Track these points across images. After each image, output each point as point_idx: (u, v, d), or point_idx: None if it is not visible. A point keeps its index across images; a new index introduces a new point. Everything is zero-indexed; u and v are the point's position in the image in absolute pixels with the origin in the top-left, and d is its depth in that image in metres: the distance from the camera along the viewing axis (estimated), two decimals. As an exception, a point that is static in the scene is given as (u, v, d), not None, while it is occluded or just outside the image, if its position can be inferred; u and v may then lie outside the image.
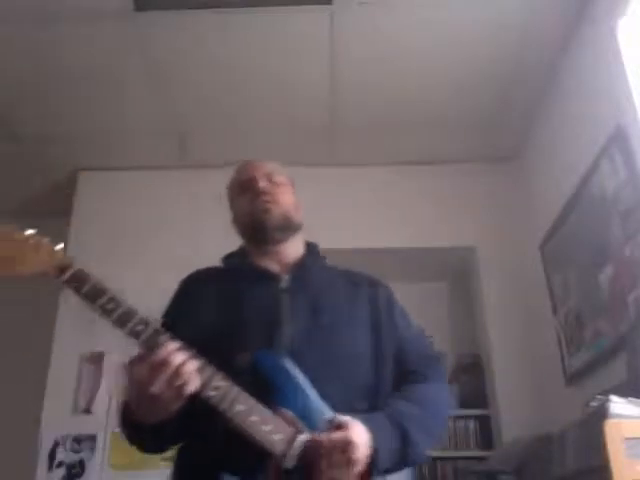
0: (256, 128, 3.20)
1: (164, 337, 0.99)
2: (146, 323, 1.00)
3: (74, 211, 3.42)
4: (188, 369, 0.96)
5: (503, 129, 3.22)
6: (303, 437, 1.00)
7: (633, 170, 2.10)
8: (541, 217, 2.98)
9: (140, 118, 3.12)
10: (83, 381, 2.99)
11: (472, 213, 3.31)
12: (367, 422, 1.02)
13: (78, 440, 2.87)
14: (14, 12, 2.45)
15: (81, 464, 2.84)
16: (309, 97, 2.99)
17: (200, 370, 0.98)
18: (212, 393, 0.98)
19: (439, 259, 3.47)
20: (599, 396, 1.66)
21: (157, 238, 3.22)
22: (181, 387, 0.95)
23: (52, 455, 2.85)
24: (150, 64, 2.77)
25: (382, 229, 3.27)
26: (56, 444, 2.86)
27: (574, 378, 2.58)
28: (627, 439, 1.38)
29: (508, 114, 3.10)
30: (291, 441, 0.99)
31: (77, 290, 1.02)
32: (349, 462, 0.97)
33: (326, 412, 1.06)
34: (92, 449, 2.85)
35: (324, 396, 1.07)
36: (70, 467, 2.84)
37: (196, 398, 0.98)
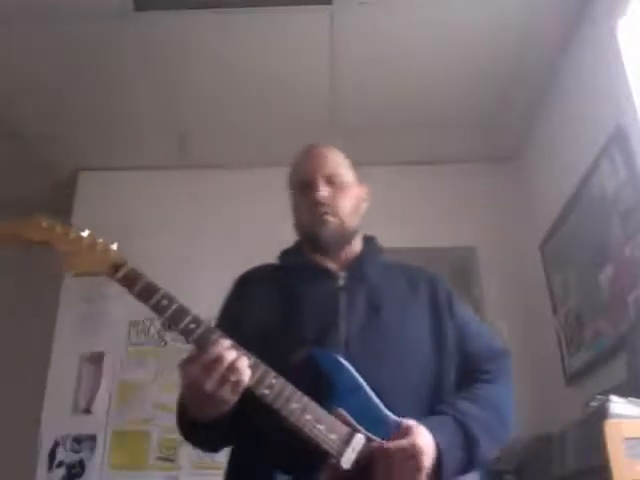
0: (256, 128, 3.20)
1: (216, 335, 0.99)
2: (198, 322, 1.01)
3: (74, 211, 3.42)
4: (242, 365, 0.95)
5: (503, 129, 3.21)
6: (359, 437, 0.99)
7: (633, 170, 2.10)
8: (541, 217, 2.98)
9: (140, 118, 3.12)
10: (83, 381, 2.99)
11: (472, 213, 3.31)
12: (433, 427, 1.01)
13: (78, 440, 2.87)
14: (14, 12, 2.44)
15: (81, 464, 2.84)
16: (309, 97, 2.99)
17: (253, 367, 0.97)
18: (266, 391, 0.98)
19: (439, 259, 3.46)
20: (599, 396, 1.66)
21: (157, 238, 3.22)
22: (236, 383, 0.95)
23: (52, 455, 2.85)
24: (150, 64, 2.76)
25: (382, 229, 3.25)
26: (56, 444, 2.87)
27: (574, 378, 2.58)
28: (627, 439, 1.38)
29: (508, 114, 3.10)
30: (346, 441, 0.98)
31: (130, 288, 1.04)
32: (416, 470, 0.95)
33: (383, 411, 1.04)
34: (92, 449, 2.85)
35: (381, 394, 1.05)
36: (70, 467, 2.84)
37: (250, 397, 0.98)
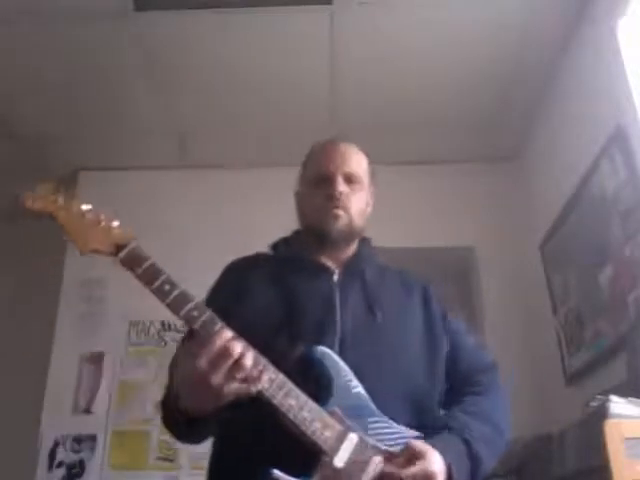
0: (256, 128, 3.20)
1: (219, 325, 0.97)
2: (201, 309, 0.98)
3: (74, 211, 3.42)
4: (247, 362, 0.94)
5: (503, 129, 3.21)
6: (352, 436, 0.99)
7: (633, 170, 2.10)
8: (541, 217, 2.98)
9: (140, 118, 3.12)
10: (83, 381, 3.00)
11: (472, 213, 3.31)
12: (444, 449, 1.01)
13: (78, 440, 2.87)
14: (14, 12, 2.44)
15: (81, 464, 2.84)
16: (309, 97, 2.99)
17: (255, 361, 0.96)
18: (266, 386, 0.97)
19: (439, 259, 3.46)
20: (599, 396, 1.66)
21: (157, 238, 3.21)
22: (242, 380, 0.93)
23: (52, 455, 2.85)
24: (150, 64, 2.76)
25: (382, 229, 3.25)
26: (56, 444, 2.87)
27: (574, 378, 2.57)
28: (627, 439, 1.38)
29: (508, 114, 3.10)
30: (341, 439, 0.98)
31: (132, 269, 1.00)
32: None
33: (376, 411, 1.04)
34: (92, 449, 2.85)
35: (374, 393, 1.05)
36: (70, 467, 2.84)
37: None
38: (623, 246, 2.14)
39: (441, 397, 1.17)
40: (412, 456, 0.98)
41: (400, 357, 1.13)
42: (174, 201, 3.39)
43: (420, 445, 0.99)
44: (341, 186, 1.23)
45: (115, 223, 1.04)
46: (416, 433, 1.06)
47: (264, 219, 3.04)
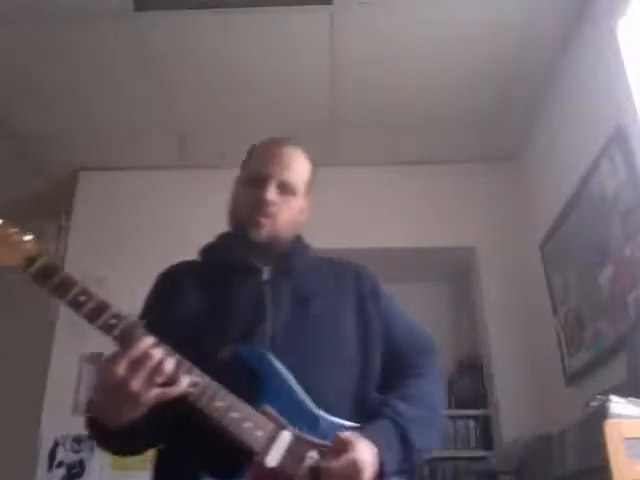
0: (256, 128, 3.19)
1: (140, 331, 0.95)
2: (119, 317, 0.96)
3: (74, 211, 3.42)
4: (168, 367, 0.92)
5: (503, 129, 3.21)
6: (285, 434, 0.98)
7: (633, 170, 2.10)
8: (541, 217, 2.98)
9: (140, 118, 3.12)
10: (83, 381, 2.99)
11: (472, 213, 3.31)
12: (373, 434, 1.00)
13: (78, 440, 2.87)
14: (14, 12, 2.45)
15: (81, 464, 2.84)
16: (309, 97, 2.99)
17: (177, 365, 0.95)
18: (190, 389, 0.95)
19: (439, 259, 3.47)
20: (599, 396, 1.66)
21: (157, 238, 3.22)
22: (162, 386, 0.92)
23: (52, 455, 2.85)
24: (150, 64, 2.76)
25: (382, 229, 3.27)
26: (56, 444, 2.87)
27: (574, 378, 2.58)
28: (627, 439, 1.38)
29: (508, 114, 3.10)
30: (273, 438, 0.97)
31: (45, 282, 0.97)
32: None
33: (310, 408, 1.03)
34: (92, 449, 2.85)
35: (310, 388, 1.04)
36: (70, 467, 2.84)
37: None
38: (623, 246, 2.14)
39: (377, 382, 1.15)
40: (341, 447, 0.96)
41: (334, 348, 1.12)
42: (174, 201, 3.39)
43: (348, 435, 0.98)
44: (272, 194, 1.18)
45: (27, 237, 1.01)
46: (354, 424, 1.05)
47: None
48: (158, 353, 0.93)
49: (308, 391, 1.04)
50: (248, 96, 2.97)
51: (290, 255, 1.23)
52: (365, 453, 0.96)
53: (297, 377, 1.04)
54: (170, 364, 0.93)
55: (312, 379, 1.05)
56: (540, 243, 2.96)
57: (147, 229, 3.29)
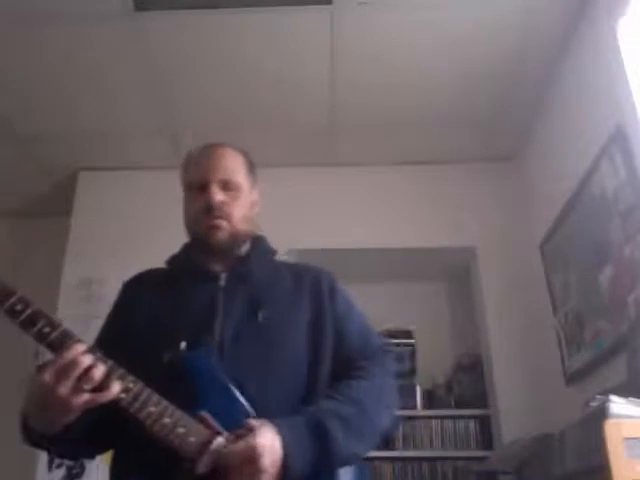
0: (256, 128, 3.20)
1: (72, 340, 0.96)
2: (54, 325, 0.97)
3: (74, 211, 3.42)
4: (97, 373, 0.93)
5: (503, 129, 3.21)
6: (220, 440, 0.96)
7: (633, 170, 2.10)
8: (541, 217, 2.98)
9: (140, 118, 3.12)
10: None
11: (472, 213, 3.31)
12: (279, 425, 0.98)
13: (78, 440, 2.87)
14: (14, 12, 2.45)
15: (81, 464, 2.84)
16: (309, 97, 2.99)
17: (110, 372, 0.95)
18: (122, 395, 0.95)
19: (439, 259, 3.47)
20: (599, 396, 1.66)
21: (157, 238, 3.21)
22: (89, 392, 0.93)
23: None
24: (150, 64, 2.76)
25: (382, 229, 3.27)
26: (56, 444, 2.86)
27: (574, 378, 2.57)
28: (627, 439, 1.38)
29: (508, 114, 3.10)
30: (206, 444, 0.96)
31: None
32: (257, 472, 0.92)
33: (249, 413, 1.02)
34: (92, 449, 2.85)
35: (256, 393, 1.04)
36: (70, 467, 2.84)
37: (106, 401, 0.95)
38: (623, 246, 2.14)
39: (326, 388, 1.14)
40: (243, 433, 0.96)
41: (282, 355, 1.12)
42: (174, 201, 3.38)
43: (252, 422, 0.97)
44: (218, 195, 1.20)
45: None
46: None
47: (262, 218, 3.04)
48: (87, 359, 0.93)
49: (251, 398, 1.04)
50: (248, 96, 2.97)
51: (248, 260, 1.24)
52: (263, 437, 0.94)
53: (242, 384, 1.04)
54: (100, 370, 0.93)
55: (257, 386, 1.05)
56: (540, 243, 2.96)
57: (147, 229, 3.29)
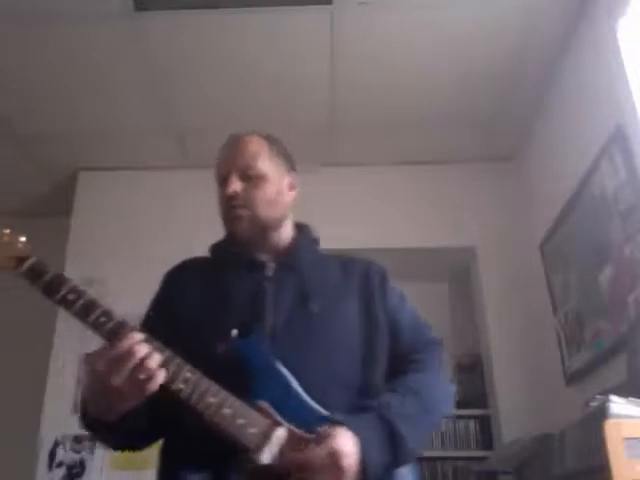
0: (256, 128, 3.18)
1: (128, 328, 0.95)
2: (109, 315, 0.97)
3: (74, 211, 3.42)
4: (152, 363, 0.91)
5: (503, 129, 3.21)
6: (280, 431, 0.96)
7: (633, 170, 2.10)
8: (541, 217, 2.98)
9: (140, 118, 3.12)
10: (83, 381, 2.99)
11: (472, 213, 3.31)
12: (355, 425, 0.98)
13: (78, 440, 2.87)
14: (14, 12, 2.45)
15: (81, 464, 2.84)
16: (309, 97, 2.99)
17: (167, 362, 0.94)
18: (181, 386, 0.94)
19: (439, 259, 3.47)
20: (599, 396, 1.66)
21: (157, 238, 3.22)
22: (145, 382, 0.91)
23: (52, 455, 2.85)
24: (150, 64, 2.76)
25: (382, 229, 3.27)
26: (56, 444, 2.87)
27: (574, 378, 2.58)
28: (627, 439, 1.38)
29: (508, 114, 3.10)
30: (267, 435, 0.95)
31: (34, 282, 0.99)
32: (336, 477, 0.92)
33: (309, 404, 1.01)
34: (92, 449, 2.85)
35: (310, 387, 1.03)
36: (70, 467, 2.84)
37: (165, 392, 0.94)
38: (623, 246, 2.14)
39: (383, 379, 1.14)
40: (321, 438, 0.94)
41: (336, 347, 1.11)
42: (174, 201, 3.40)
43: (327, 428, 0.96)
44: (235, 185, 1.18)
45: (22, 238, 1.03)
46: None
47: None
48: (143, 349, 0.92)
49: (308, 388, 1.03)
50: (248, 96, 2.97)
51: (295, 250, 1.22)
52: (345, 443, 0.94)
53: (297, 374, 1.03)
54: (155, 360, 0.92)
55: (312, 376, 1.04)
56: (540, 243, 2.96)
57: (147, 229, 3.29)
